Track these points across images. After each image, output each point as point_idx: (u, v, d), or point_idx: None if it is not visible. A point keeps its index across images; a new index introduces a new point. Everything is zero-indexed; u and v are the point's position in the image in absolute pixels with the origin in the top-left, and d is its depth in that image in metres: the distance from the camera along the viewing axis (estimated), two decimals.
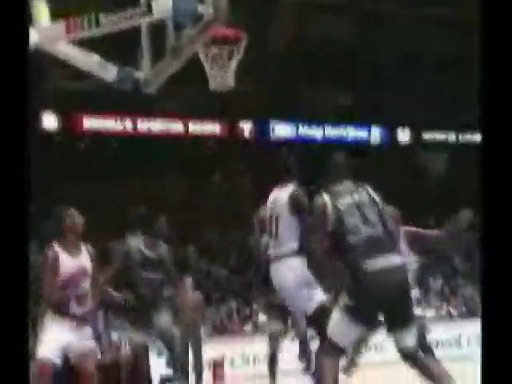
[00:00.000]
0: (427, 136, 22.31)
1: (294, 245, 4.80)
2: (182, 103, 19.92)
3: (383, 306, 4.19)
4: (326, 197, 4.38)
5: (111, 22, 4.13)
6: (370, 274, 4.16)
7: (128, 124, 18.81)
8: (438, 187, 22.19)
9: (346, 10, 22.00)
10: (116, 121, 18.70)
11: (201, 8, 4.09)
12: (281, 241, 4.88)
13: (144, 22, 4.48)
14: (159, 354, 12.29)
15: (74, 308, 5.15)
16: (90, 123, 18.42)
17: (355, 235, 4.25)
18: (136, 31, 4.67)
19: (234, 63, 5.18)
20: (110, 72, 4.86)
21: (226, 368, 12.54)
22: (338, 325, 4.22)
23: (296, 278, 4.75)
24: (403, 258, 4.34)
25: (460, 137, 22.37)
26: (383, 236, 4.30)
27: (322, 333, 4.65)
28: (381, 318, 4.31)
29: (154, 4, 4.11)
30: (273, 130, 20.66)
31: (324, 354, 4.25)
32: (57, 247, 5.28)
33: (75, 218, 5.45)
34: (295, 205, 4.81)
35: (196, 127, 19.77)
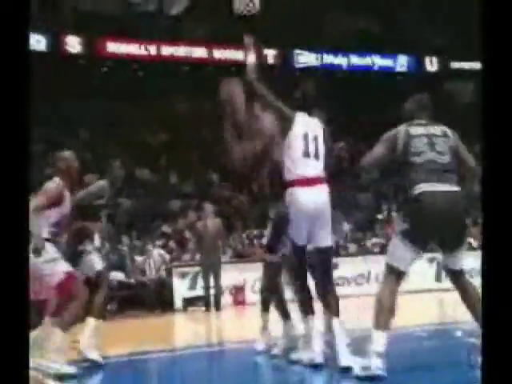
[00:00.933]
0: (455, 65, 21.86)
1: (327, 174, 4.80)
2: (206, 28, 19.64)
3: (438, 229, 4.28)
4: (401, 126, 4.53)
5: None
6: (426, 196, 4.25)
7: (152, 49, 18.64)
8: (465, 116, 21.88)
9: None
10: (140, 45, 18.54)
11: None
12: (321, 163, 4.77)
13: None
14: (182, 277, 12.67)
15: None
16: (114, 47, 18.28)
17: (419, 157, 4.38)
18: None
19: None
20: None
21: (247, 293, 12.79)
22: (397, 249, 4.32)
23: (329, 209, 4.71)
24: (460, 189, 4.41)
25: None
26: (448, 166, 4.39)
27: (326, 272, 4.80)
28: (435, 240, 4.40)
29: None
30: (298, 57, 20.36)
31: (385, 279, 4.35)
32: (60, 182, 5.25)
33: (71, 161, 5.37)
34: (329, 140, 4.87)
35: (220, 53, 19.54)
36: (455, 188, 4.35)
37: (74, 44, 17.62)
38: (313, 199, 4.64)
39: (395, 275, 4.30)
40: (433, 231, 4.30)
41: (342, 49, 20.81)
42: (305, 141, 4.74)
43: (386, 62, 21.29)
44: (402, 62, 21.30)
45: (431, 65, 21.57)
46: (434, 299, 11.27)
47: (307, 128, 4.79)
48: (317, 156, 4.75)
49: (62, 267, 5.03)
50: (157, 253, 13.06)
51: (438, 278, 13.21)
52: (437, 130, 4.53)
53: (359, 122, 19.81)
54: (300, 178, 4.67)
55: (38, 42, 16.80)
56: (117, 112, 18.02)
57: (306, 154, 4.72)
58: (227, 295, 12.57)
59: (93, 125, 17.59)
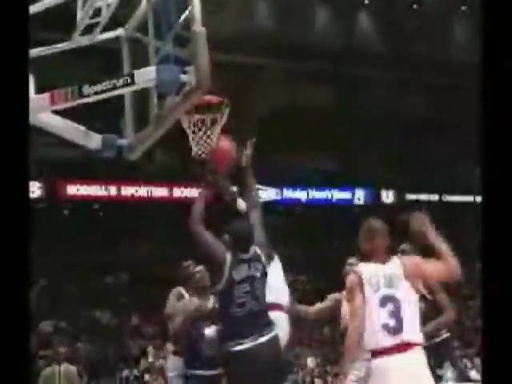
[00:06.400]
0: (410, 197, 22.57)
1: None
2: (166, 168, 20.06)
3: (260, 379, 4.26)
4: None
5: (94, 93, 4.18)
6: (240, 354, 4.23)
7: (112, 190, 18.85)
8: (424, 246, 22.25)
9: (328, 77, 22.46)
10: (100, 187, 18.75)
11: (184, 77, 4.14)
12: None
13: (127, 92, 4.53)
14: None
15: None
16: (74, 190, 18.44)
17: (240, 308, 4.34)
18: (119, 99, 4.72)
19: (217, 129, 5.18)
20: (93, 140, 4.89)
21: None
22: None
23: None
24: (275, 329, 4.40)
25: (442, 197, 22.69)
26: (264, 309, 4.39)
27: None
28: None
29: (136, 74, 4.15)
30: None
31: None
32: None
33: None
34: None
35: (180, 191, 19.84)
36: (271, 330, 4.33)
37: (33, 189, 17.70)
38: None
39: None
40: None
41: (302, 184, 21.36)
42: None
43: (345, 195, 21.85)
44: (359, 196, 21.88)
45: (387, 197, 22.22)
46: None
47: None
48: None
49: None
50: None
51: None
52: (258, 268, 4.52)
53: (320, 252, 19.97)
54: None
55: None
56: (77, 254, 17.85)
57: None
58: None
59: (52, 268, 17.33)
